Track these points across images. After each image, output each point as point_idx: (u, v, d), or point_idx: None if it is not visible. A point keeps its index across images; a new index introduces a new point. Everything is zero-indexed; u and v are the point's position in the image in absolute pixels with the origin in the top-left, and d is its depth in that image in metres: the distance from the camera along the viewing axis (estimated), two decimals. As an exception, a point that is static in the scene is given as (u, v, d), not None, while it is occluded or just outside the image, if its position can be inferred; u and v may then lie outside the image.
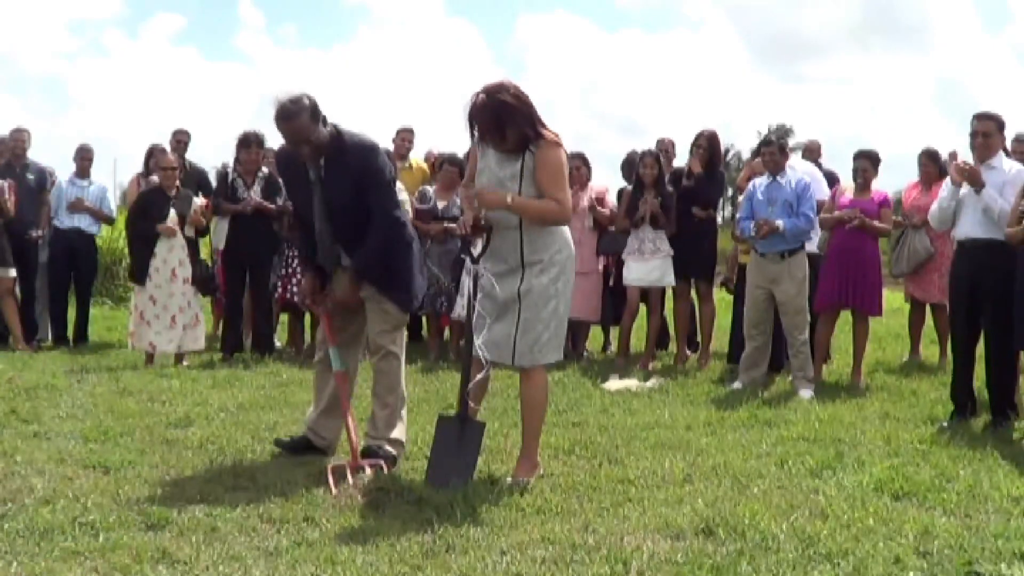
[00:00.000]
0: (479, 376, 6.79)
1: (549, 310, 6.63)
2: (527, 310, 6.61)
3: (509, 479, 6.64)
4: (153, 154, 13.36)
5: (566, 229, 6.78)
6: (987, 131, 8.85)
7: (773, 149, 10.88)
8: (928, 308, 12.55)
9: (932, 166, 12.22)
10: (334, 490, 6.32)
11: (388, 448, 7.18)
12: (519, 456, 6.88)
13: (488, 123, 6.47)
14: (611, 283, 12.91)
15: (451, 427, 6.80)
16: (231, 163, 12.78)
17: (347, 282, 7.18)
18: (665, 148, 13.34)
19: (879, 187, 11.33)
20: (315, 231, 7.25)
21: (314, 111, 6.89)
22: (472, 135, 6.66)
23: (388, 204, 7.13)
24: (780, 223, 10.37)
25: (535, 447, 6.87)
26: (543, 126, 6.58)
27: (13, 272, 12.95)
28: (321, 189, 7.08)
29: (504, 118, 6.44)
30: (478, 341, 6.73)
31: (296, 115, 6.83)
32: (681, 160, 13.16)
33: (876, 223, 10.97)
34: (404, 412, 7.42)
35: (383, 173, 7.10)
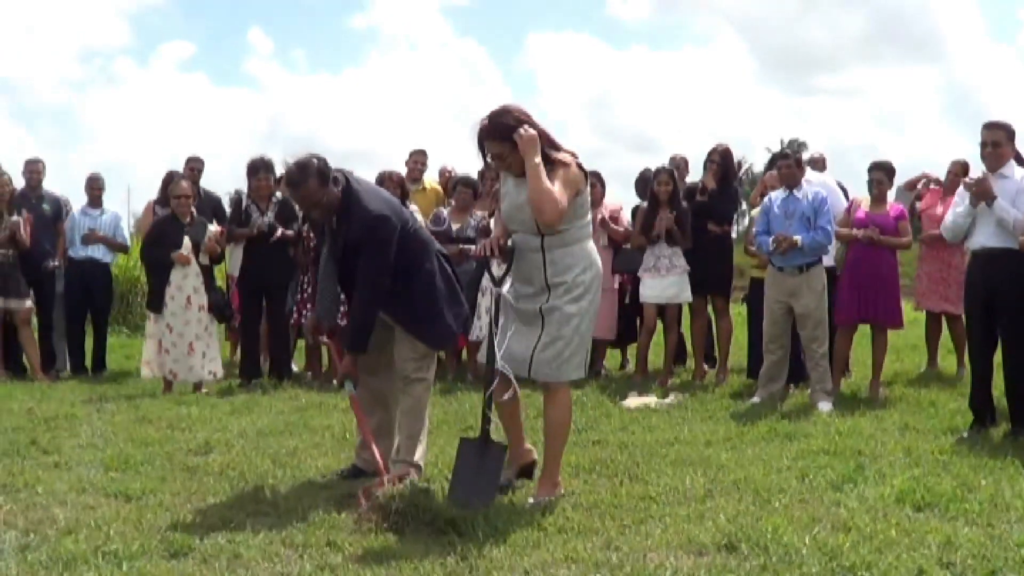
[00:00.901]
0: (506, 396, 6.82)
1: (571, 327, 6.64)
2: (550, 326, 6.63)
3: (530, 499, 6.65)
4: (172, 180, 13.38)
5: (591, 247, 6.79)
6: (996, 140, 8.83)
7: (790, 163, 10.86)
8: (944, 319, 12.53)
9: (963, 176, 12.16)
10: (363, 503, 6.33)
11: (408, 474, 7.18)
12: (540, 476, 6.89)
13: (493, 143, 6.57)
14: (627, 300, 12.88)
15: (473, 449, 6.81)
16: (244, 189, 12.82)
17: (344, 356, 7.20)
18: (678, 165, 13.35)
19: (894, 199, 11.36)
20: (319, 275, 7.39)
21: (322, 174, 6.94)
22: (484, 159, 6.75)
23: (374, 271, 7.03)
24: (799, 238, 10.36)
25: (556, 467, 6.87)
26: (554, 147, 6.61)
27: (29, 303, 13.00)
28: (332, 240, 7.19)
29: (508, 138, 6.49)
30: (498, 354, 6.76)
31: (303, 182, 6.91)
32: (694, 176, 13.18)
33: (892, 239, 10.97)
34: (424, 436, 7.42)
35: (384, 243, 7.03)
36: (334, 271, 7.24)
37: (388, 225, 7.05)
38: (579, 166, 6.65)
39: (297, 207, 7.10)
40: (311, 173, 6.89)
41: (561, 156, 6.59)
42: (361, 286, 7.04)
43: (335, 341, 7.45)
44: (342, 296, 7.49)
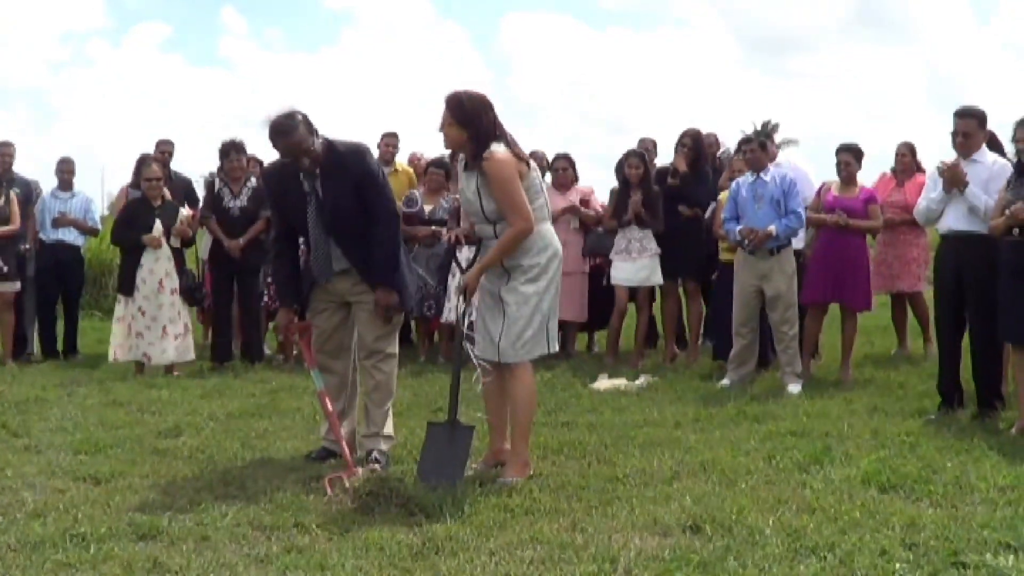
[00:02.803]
0: (485, 381, 6.96)
1: (531, 307, 6.76)
2: (510, 308, 6.76)
3: (499, 479, 6.70)
4: (144, 163, 13.31)
5: (546, 229, 6.91)
6: (968, 130, 8.87)
7: (754, 146, 10.82)
8: (907, 299, 12.52)
9: (911, 159, 12.22)
10: (329, 492, 6.39)
11: (382, 446, 7.40)
12: (509, 456, 6.94)
13: (448, 111, 6.74)
14: (606, 283, 12.83)
15: (441, 433, 6.91)
16: (217, 171, 12.81)
17: (379, 291, 7.29)
18: (647, 147, 13.35)
19: (866, 183, 11.42)
20: (310, 243, 7.41)
21: (307, 123, 7.11)
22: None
23: (388, 202, 7.36)
24: (773, 228, 10.36)
25: (524, 447, 6.94)
26: (497, 139, 6.74)
27: (18, 285, 12.91)
28: (318, 200, 7.23)
29: (456, 112, 6.71)
30: (476, 350, 6.96)
31: (294, 130, 7.03)
32: (666, 159, 13.19)
33: (862, 223, 11.00)
34: (390, 407, 7.61)
35: (378, 173, 7.37)
36: (325, 232, 7.29)
37: (372, 156, 7.51)
38: (516, 155, 6.78)
39: (285, 159, 7.18)
40: (299, 122, 7.07)
41: (491, 152, 6.68)
42: (380, 220, 7.24)
43: (306, 341, 7.50)
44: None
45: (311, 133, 7.09)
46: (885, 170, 12.79)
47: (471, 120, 6.68)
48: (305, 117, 7.12)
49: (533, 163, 6.96)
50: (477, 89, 6.85)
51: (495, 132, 6.73)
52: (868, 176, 12.26)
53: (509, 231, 6.71)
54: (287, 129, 7.03)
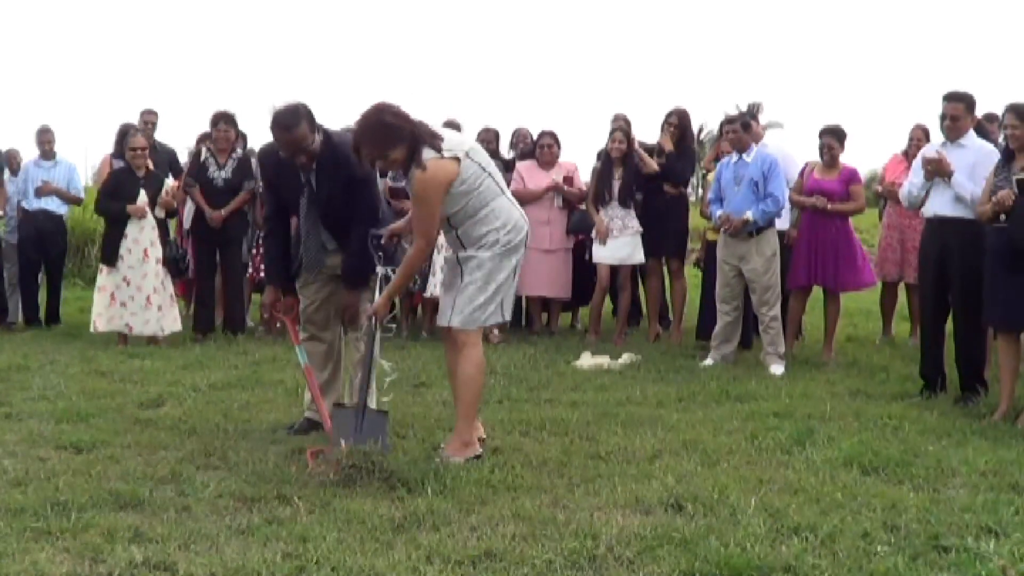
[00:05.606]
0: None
1: (484, 272, 6.64)
2: (466, 274, 6.67)
3: (438, 451, 6.75)
4: (127, 134, 13.28)
5: (501, 205, 6.73)
6: (956, 114, 8.88)
7: (736, 127, 10.79)
8: (906, 288, 12.48)
9: (926, 142, 12.15)
10: (311, 464, 6.38)
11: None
12: (452, 433, 6.91)
13: (370, 147, 6.49)
14: (587, 258, 12.80)
15: (347, 417, 6.86)
16: (203, 141, 12.79)
17: (346, 292, 7.37)
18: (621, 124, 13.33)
19: (850, 163, 11.40)
20: (302, 231, 7.43)
21: (310, 119, 7.06)
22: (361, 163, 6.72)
23: (371, 203, 7.37)
24: (749, 215, 10.35)
25: (467, 425, 6.81)
26: (429, 142, 6.49)
27: None
28: (311, 191, 7.26)
29: (385, 139, 6.43)
30: (437, 320, 7.03)
31: (295, 126, 6.99)
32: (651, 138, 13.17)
33: (841, 205, 11.00)
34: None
35: (369, 174, 7.29)
36: (317, 220, 7.33)
37: None
38: (452, 157, 6.52)
39: (282, 152, 7.14)
40: (302, 117, 7.01)
41: (423, 162, 6.45)
42: (361, 219, 7.24)
43: (291, 319, 7.52)
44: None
45: (312, 130, 7.04)
46: (897, 151, 12.77)
47: (403, 134, 6.41)
48: (308, 112, 7.06)
49: (470, 147, 6.72)
50: (374, 102, 6.56)
51: (420, 135, 6.47)
52: (861, 158, 12.25)
53: (409, 258, 6.75)
54: (289, 125, 6.97)
